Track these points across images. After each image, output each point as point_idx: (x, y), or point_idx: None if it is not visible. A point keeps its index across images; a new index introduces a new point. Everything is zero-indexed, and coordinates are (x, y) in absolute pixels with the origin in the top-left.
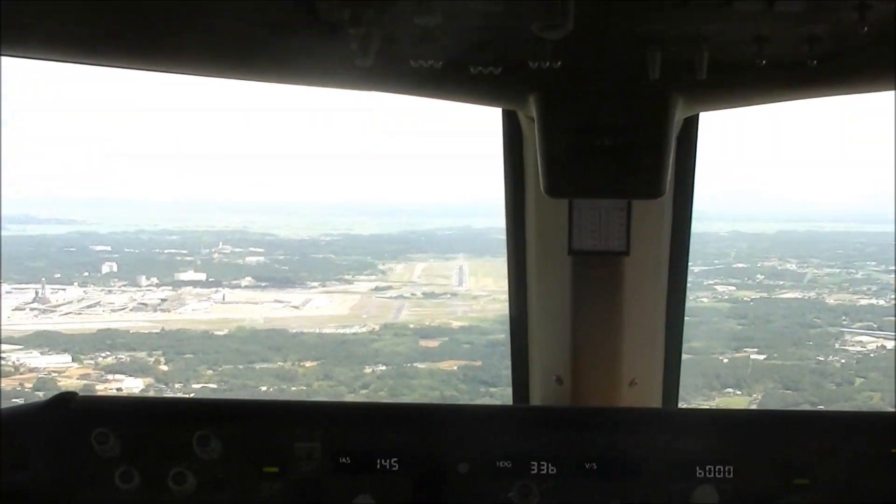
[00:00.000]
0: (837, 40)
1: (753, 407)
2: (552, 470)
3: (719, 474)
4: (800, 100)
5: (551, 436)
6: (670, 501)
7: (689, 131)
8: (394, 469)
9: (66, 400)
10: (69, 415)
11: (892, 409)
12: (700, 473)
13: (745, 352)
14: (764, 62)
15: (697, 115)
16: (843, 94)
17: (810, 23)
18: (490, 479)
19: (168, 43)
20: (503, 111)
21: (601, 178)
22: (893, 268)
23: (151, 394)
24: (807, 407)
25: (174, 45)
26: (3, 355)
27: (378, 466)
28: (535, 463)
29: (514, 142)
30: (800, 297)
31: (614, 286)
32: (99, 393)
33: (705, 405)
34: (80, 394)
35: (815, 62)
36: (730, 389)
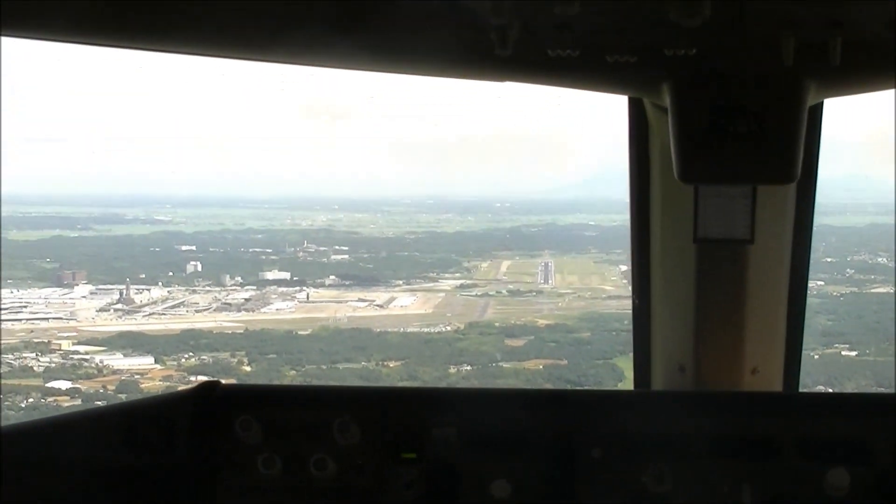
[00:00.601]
0: None
1: None
2: (683, 454)
3: (851, 457)
4: None
5: (681, 420)
6: (803, 484)
7: (815, 117)
8: (529, 454)
9: (210, 388)
10: (214, 402)
11: None
12: (831, 456)
13: (836, 348)
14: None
15: (822, 101)
16: None
17: None
18: (623, 464)
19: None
20: (629, 100)
21: (734, 164)
22: None
23: None
24: None
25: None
26: (85, 357)
27: (513, 451)
28: (667, 447)
29: (641, 130)
30: (891, 291)
31: (738, 274)
32: (231, 383)
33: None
34: (224, 383)
35: None
36: (821, 387)
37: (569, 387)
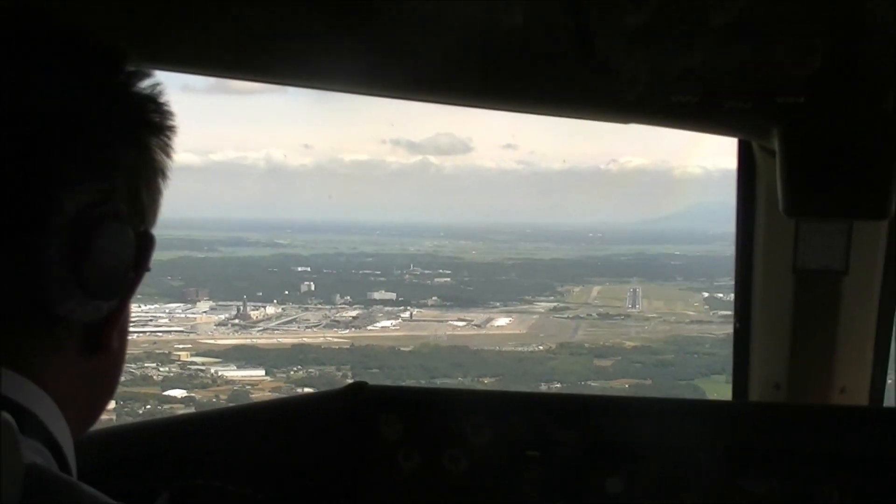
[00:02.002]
0: None
1: None
2: (780, 462)
3: None
4: None
5: (776, 431)
6: (885, 486)
7: None
8: (639, 455)
9: (359, 387)
10: (361, 401)
11: None
12: None
13: None
14: None
15: None
16: None
17: None
18: (722, 468)
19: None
20: (739, 142)
21: (834, 201)
22: None
23: None
24: None
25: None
26: (201, 368)
27: (626, 453)
28: (763, 455)
29: (748, 169)
30: None
31: (832, 302)
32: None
33: None
34: (371, 384)
35: None
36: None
37: None
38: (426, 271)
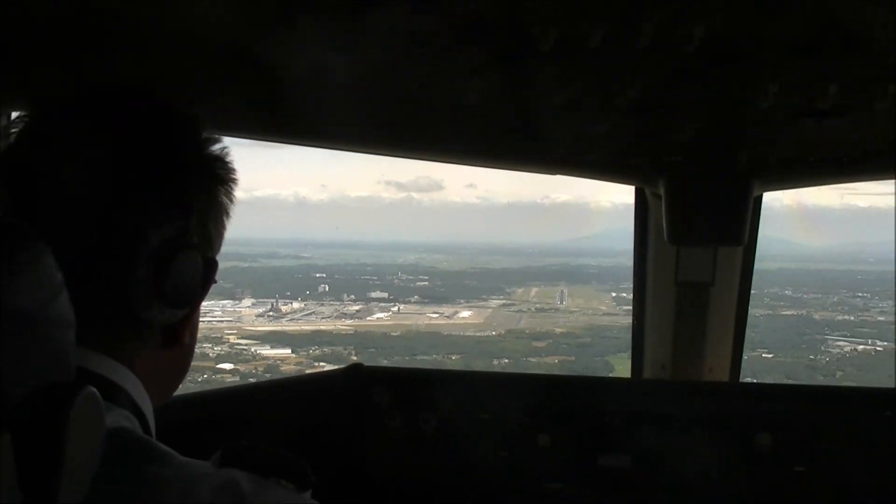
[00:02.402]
0: (873, 142)
1: None
2: (665, 430)
3: (771, 424)
4: (845, 184)
5: (663, 400)
6: (740, 441)
7: (757, 202)
8: (557, 421)
9: (357, 367)
10: (359, 377)
11: None
12: (760, 424)
13: (758, 352)
14: (813, 159)
15: (762, 193)
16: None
17: (848, 132)
18: (625, 430)
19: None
20: (635, 188)
21: (705, 233)
22: (860, 294)
23: None
24: None
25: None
26: (245, 347)
27: (550, 418)
28: (652, 418)
29: (643, 208)
30: (794, 314)
31: (702, 304)
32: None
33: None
34: (365, 364)
35: (845, 160)
36: (749, 378)
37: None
38: (410, 277)
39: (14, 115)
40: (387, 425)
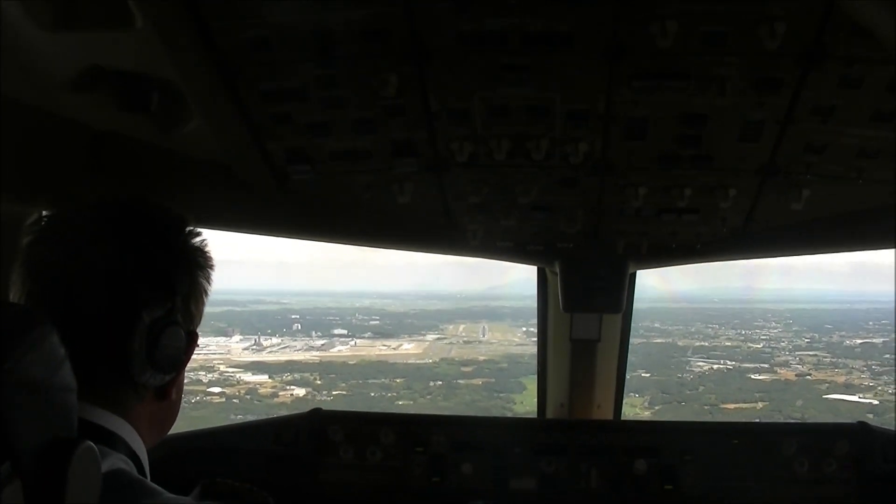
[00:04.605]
0: (719, 231)
1: (646, 406)
2: (563, 458)
3: (645, 453)
4: (705, 262)
5: (562, 437)
6: (624, 467)
7: (632, 277)
8: (487, 450)
9: (317, 412)
10: (319, 419)
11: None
12: (636, 453)
13: (638, 372)
14: (674, 245)
15: (636, 270)
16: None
17: (700, 225)
18: (533, 457)
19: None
20: (537, 267)
21: (592, 302)
22: (711, 325)
23: (310, 397)
24: (675, 404)
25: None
26: (231, 374)
27: (475, 448)
28: (552, 448)
29: (543, 283)
30: (663, 341)
31: (592, 355)
32: (328, 409)
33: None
34: (323, 409)
35: (699, 246)
36: (633, 393)
37: (495, 394)
38: (364, 317)
39: (35, 215)
40: (341, 457)
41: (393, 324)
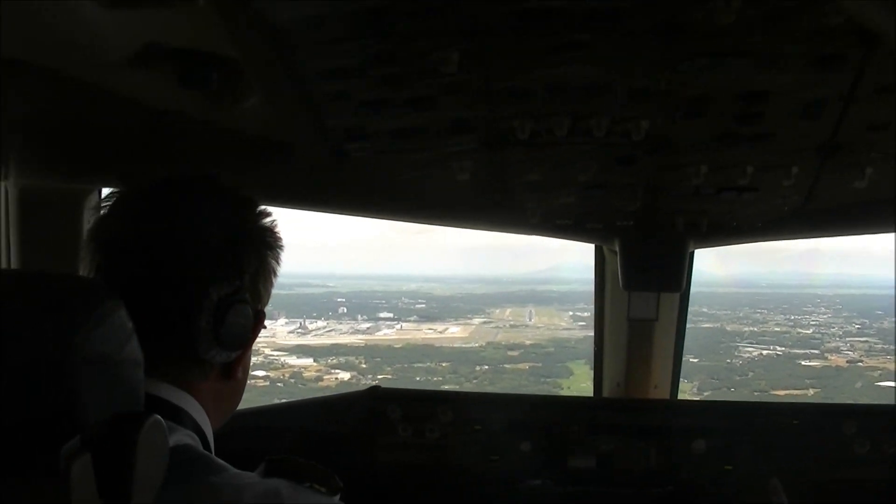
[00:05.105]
0: (780, 210)
1: (695, 392)
2: (621, 438)
3: (705, 433)
4: (765, 241)
5: (620, 416)
6: (680, 449)
7: (691, 257)
8: (542, 428)
9: (375, 389)
10: (377, 396)
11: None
12: (694, 433)
13: (686, 357)
14: (734, 223)
15: (694, 249)
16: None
17: (761, 203)
18: (592, 435)
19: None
20: (595, 245)
21: (652, 280)
22: (759, 310)
23: (354, 381)
24: (724, 389)
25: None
26: (276, 357)
27: (533, 427)
28: (607, 434)
29: (601, 261)
30: (711, 326)
31: (648, 335)
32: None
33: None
34: (382, 386)
35: (759, 224)
36: (682, 379)
37: (541, 379)
38: (410, 300)
39: (105, 191)
40: (399, 435)
41: (439, 307)
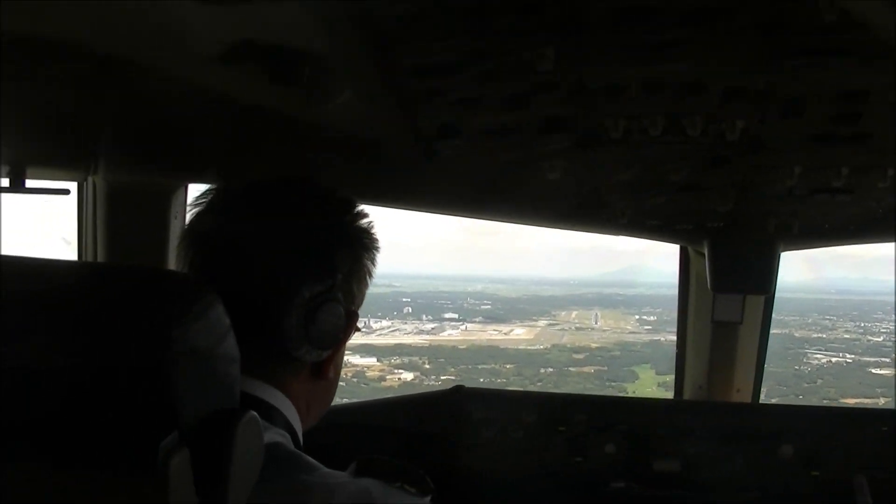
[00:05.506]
0: (875, 213)
1: (763, 399)
2: (706, 441)
3: (793, 438)
4: (856, 244)
5: (704, 419)
6: (764, 454)
7: (778, 257)
8: (625, 430)
9: (459, 388)
10: (461, 396)
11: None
12: (780, 437)
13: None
14: (826, 226)
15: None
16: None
17: (854, 205)
18: (671, 443)
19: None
20: (681, 247)
21: (740, 283)
22: (828, 317)
23: (417, 382)
24: (792, 396)
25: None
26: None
27: (617, 429)
28: (692, 437)
29: (686, 263)
30: (779, 332)
31: (732, 338)
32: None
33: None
34: (465, 386)
35: (851, 227)
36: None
37: (606, 384)
38: (476, 301)
39: (192, 188)
40: (482, 435)
41: (504, 308)
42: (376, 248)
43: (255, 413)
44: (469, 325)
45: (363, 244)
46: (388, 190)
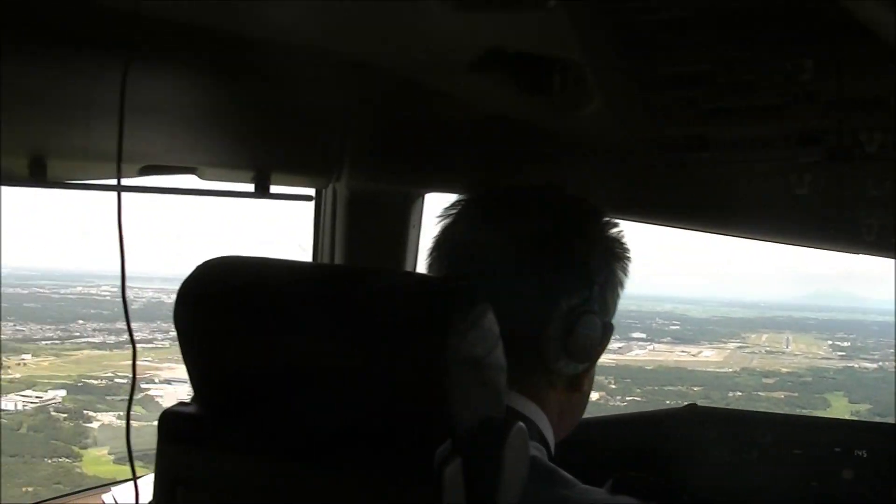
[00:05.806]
0: None
1: None
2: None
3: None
4: None
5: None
6: None
7: None
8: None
9: (693, 407)
10: (694, 414)
11: None
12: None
13: None
14: None
15: None
16: None
17: None
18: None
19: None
20: None
21: None
22: None
23: (602, 402)
24: None
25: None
26: None
27: (858, 454)
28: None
29: None
30: None
31: None
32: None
33: None
34: (699, 405)
35: None
36: None
37: (797, 409)
38: (664, 321)
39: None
40: (715, 455)
41: (693, 329)
42: (628, 258)
43: (523, 425)
44: (656, 346)
45: (616, 254)
46: (629, 201)
